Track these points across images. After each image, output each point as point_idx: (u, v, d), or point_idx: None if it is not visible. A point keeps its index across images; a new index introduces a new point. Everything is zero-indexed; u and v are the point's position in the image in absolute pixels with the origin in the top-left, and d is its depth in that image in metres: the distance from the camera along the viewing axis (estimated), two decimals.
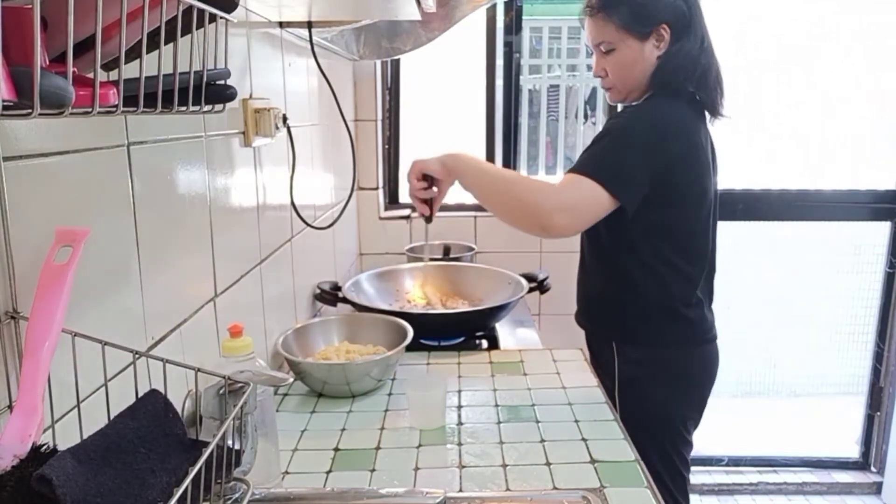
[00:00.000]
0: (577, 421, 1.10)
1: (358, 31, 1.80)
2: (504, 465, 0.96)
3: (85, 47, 0.47)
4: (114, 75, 0.47)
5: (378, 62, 2.26)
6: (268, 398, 0.88)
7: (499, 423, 1.10)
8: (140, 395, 0.58)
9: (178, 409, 0.59)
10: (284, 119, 1.28)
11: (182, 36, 0.54)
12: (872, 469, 2.60)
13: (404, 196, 2.47)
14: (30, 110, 0.37)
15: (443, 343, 1.50)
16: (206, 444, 0.55)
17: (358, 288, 1.66)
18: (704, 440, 2.45)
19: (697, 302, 1.34)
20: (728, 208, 2.35)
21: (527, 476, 0.93)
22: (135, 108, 0.51)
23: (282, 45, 1.37)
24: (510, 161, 2.42)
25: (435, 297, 1.72)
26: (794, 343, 2.69)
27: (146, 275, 0.79)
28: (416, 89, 2.43)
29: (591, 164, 1.20)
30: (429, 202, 1.30)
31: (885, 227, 2.46)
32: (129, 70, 0.48)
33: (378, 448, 1.01)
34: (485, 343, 1.53)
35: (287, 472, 0.95)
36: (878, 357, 2.53)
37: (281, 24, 1.35)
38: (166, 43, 0.54)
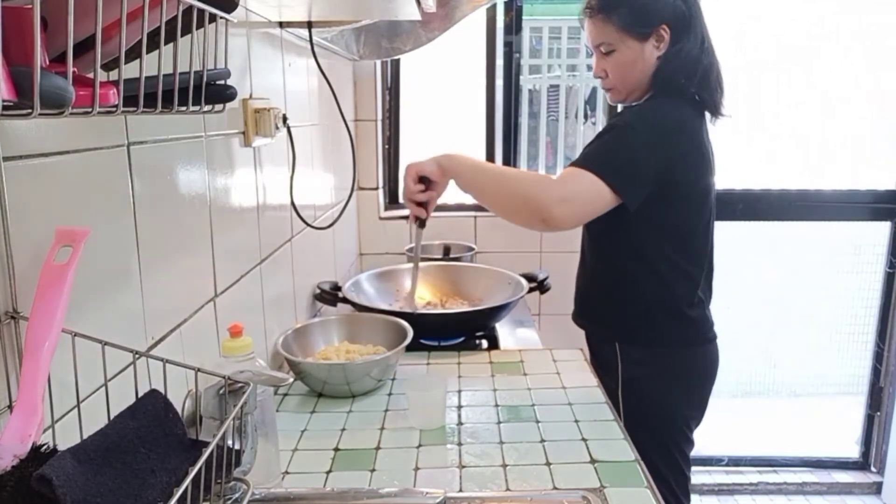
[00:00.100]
0: (577, 421, 1.10)
1: (358, 31, 1.80)
2: (504, 465, 0.96)
3: (85, 47, 0.47)
4: (114, 75, 0.47)
5: (378, 62, 2.26)
6: (268, 398, 0.88)
7: (499, 423, 1.10)
8: (140, 395, 0.58)
9: (178, 409, 0.59)
10: (284, 119, 1.28)
11: (182, 36, 0.54)
12: (872, 469, 2.60)
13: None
14: (30, 110, 0.37)
15: (443, 343, 1.50)
16: (206, 444, 0.55)
17: (358, 288, 1.66)
18: (704, 440, 2.45)
19: (699, 301, 1.34)
20: (728, 208, 2.36)
21: (527, 476, 0.93)
22: (135, 108, 0.51)
23: (282, 45, 1.37)
24: (510, 161, 2.42)
25: (435, 297, 1.72)
26: (794, 343, 2.69)
27: (146, 275, 0.79)
28: (416, 89, 2.43)
29: (591, 158, 1.20)
30: (424, 205, 1.30)
31: (885, 227, 2.46)
32: (129, 70, 0.48)
33: (378, 448, 1.01)
34: (485, 343, 1.53)
35: (287, 472, 0.95)
36: (878, 357, 2.53)
37: (281, 24, 1.35)
38: (166, 43, 0.54)
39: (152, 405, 0.57)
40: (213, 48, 0.63)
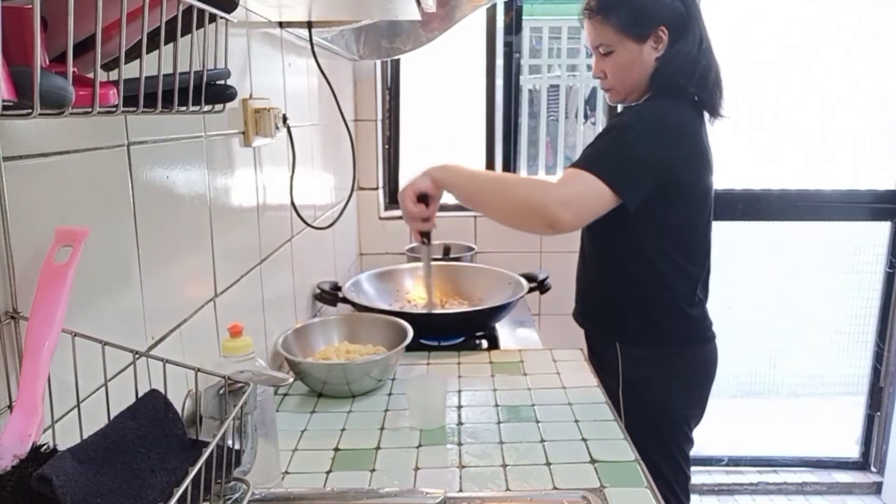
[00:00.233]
0: (577, 421, 1.10)
1: (358, 31, 1.80)
2: (504, 465, 0.96)
3: (85, 47, 0.47)
4: (114, 75, 0.47)
5: (378, 62, 2.26)
6: (268, 398, 0.88)
7: (499, 423, 1.10)
8: (140, 395, 0.58)
9: (178, 409, 0.59)
10: (284, 119, 1.28)
11: (182, 36, 0.54)
12: (872, 469, 2.60)
13: None
14: (30, 110, 0.37)
15: (443, 343, 1.50)
16: (206, 444, 0.55)
17: (358, 288, 1.66)
18: (704, 440, 2.45)
19: (698, 301, 1.35)
20: (728, 208, 2.36)
21: (527, 476, 0.93)
22: (135, 108, 0.51)
23: (282, 45, 1.37)
24: (510, 161, 2.42)
25: (435, 297, 1.72)
26: (794, 343, 2.69)
27: (146, 275, 0.79)
28: (416, 89, 2.43)
29: (591, 159, 1.19)
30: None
31: (885, 227, 2.46)
32: (129, 70, 0.48)
33: (378, 448, 1.01)
34: (485, 343, 1.53)
35: (287, 472, 0.95)
36: (878, 357, 2.53)
37: (281, 24, 1.35)
38: (166, 43, 0.54)
39: (152, 405, 0.57)
40: (213, 48, 0.63)
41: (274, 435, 0.91)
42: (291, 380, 0.77)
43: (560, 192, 1.16)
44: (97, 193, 0.70)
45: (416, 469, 0.95)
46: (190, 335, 0.91)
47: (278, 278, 1.35)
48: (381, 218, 2.35)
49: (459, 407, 1.16)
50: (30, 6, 0.36)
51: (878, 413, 2.56)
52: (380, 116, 2.34)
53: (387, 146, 2.40)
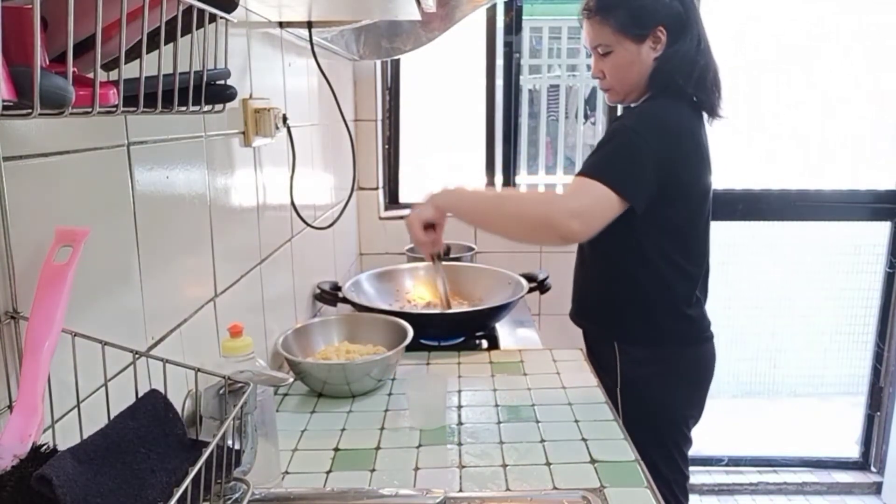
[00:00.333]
0: (577, 421, 1.10)
1: (358, 31, 1.80)
2: (504, 465, 0.96)
3: (85, 47, 0.47)
4: (114, 75, 0.47)
5: (378, 62, 2.26)
6: (268, 398, 0.88)
7: (499, 423, 1.10)
8: (140, 395, 0.58)
9: (178, 409, 0.59)
10: (284, 119, 1.28)
11: (182, 36, 0.54)
12: (872, 469, 2.60)
13: (404, 196, 2.48)
14: (30, 110, 0.38)
15: (443, 343, 1.50)
16: (206, 444, 0.55)
17: (358, 288, 1.66)
18: (704, 440, 2.45)
19: (697, 301, 1.35)
20: (728, 208, 2.36)
21: (527, 476, 0.93)
22: (135, 108, 0.51)
23: (282, 45, 1.37)
24: (510, 161, 2.42)
25: (435, 297, 1.72)
26: (794, 343, 2.69)
27: (146, 275, 0.79)
28: (416, 89, 2.43)
29: (598, 168, 1.19)
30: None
31: (885, 227, 2.46)
32: (129, 70, 0.48)
33: (378, 448, 1.01)
34: (485, 343, 1.53)
35: (287, 472, 0.95)
36: (878, 357, 2.53)
37: (281, 24, 1.35)
38: (166, 43, 0.54)
39: (152, 405, 0.57)
40: (213, 48, 0.63)
41: (274, 435, 0.91)
42: (291, 380, 0.77)
43: (570, 203, 1.16)
44: (97, 193, 0.70)
45: (416, 469, 0.95)
46: (190, 335, 0.91)
47: (278, 278, 1.35)
48: (381, 218, 2.35)
49: (459, 407, 1.16)
50: (30, 6, 0.36)
51: (878, 413, 2.56)
52: (380, 116, 2.34)
53: (387, 146, 2.40)
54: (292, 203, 1.39)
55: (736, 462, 2.63)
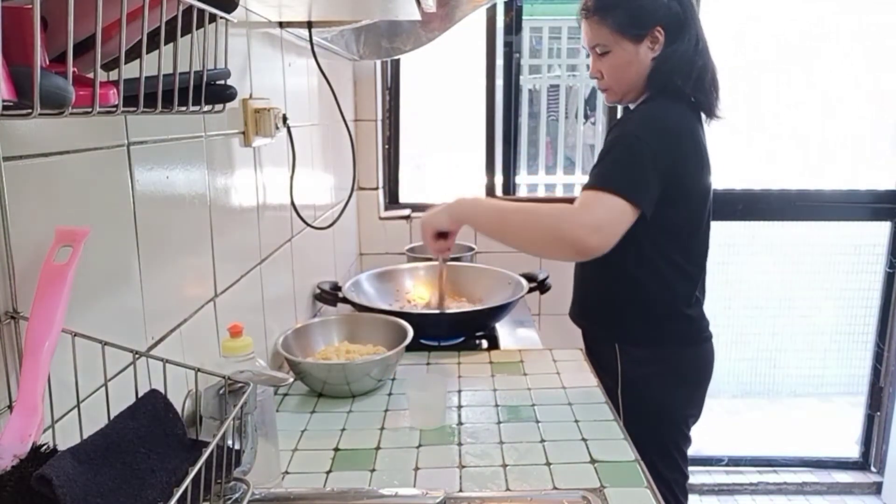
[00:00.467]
0: (577, 421, 1.10)
1: (358, 31, 1.80)
2: (504, 465, 0.96)
3: (85, 47, 0.47)
4: (114, 75, 0.47)
5: (378, 62, 2.26)
6: (268, 398, 0.88)
7: (499, 423, 1.10)
8: (140, 395, 0.58)
9: (178, 409, 0.59)
10: (284, 119, 1.28)
11: (182, 36, 0.54)
12: (872, 469, 2.60)
13: (404, 196, 2.47)
14: (30, 110, 0.38)
15: (443, 343, 1.50)
16: (206, 444, 0.55)
17: (358, 288, 1.66)
18: (704, 440, 2.46)
19: (696, 301, 1.35)
20: (728, 208, 2.36)
21: (527, 476, 0.93)
22: (135, 108, 0.51)
23: (282, 45, 1.37)
24: (510, 161, 2.42)
25: (435, 296, 1.72)
26: (794, 343, 2.69)
27: (146, 275, 0.79)
28: (416, 89, 2.43)
29: (608, 178, 1.19)
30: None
31: (885, 227, 2.46)
32: (129, 70, 0.48)
33: (378, 448, 1.01)
34: (485, 343, 1.53)
35: (287, 472, 0.95)
36: (878, 357, 2.53)
37: (281, 24, 1.35)
38: (166, 43, 0.54)
39: (152, 405, 0.57)
40: (213, 48, 0.63)
41: (274, 435, 0.91)
42: (291, 380, 0.77)
43: (585, 217, 1.16)
44: (97, 193, 0.70)
45: (416, 469, 0.95)
46: (190, 335, 0.91)
47: (278, 278, 1.35)
48: (381, 218, 2.35)
49: (459, 407, 1.16)
50: (30, 6, 0.36)
51: (878, 413, 2.56)
52: (380, 116, 2.34)
53: (387, 146, 2.40)
54: (292, 203, 1.39)
55: (736, 462, 2.63)
